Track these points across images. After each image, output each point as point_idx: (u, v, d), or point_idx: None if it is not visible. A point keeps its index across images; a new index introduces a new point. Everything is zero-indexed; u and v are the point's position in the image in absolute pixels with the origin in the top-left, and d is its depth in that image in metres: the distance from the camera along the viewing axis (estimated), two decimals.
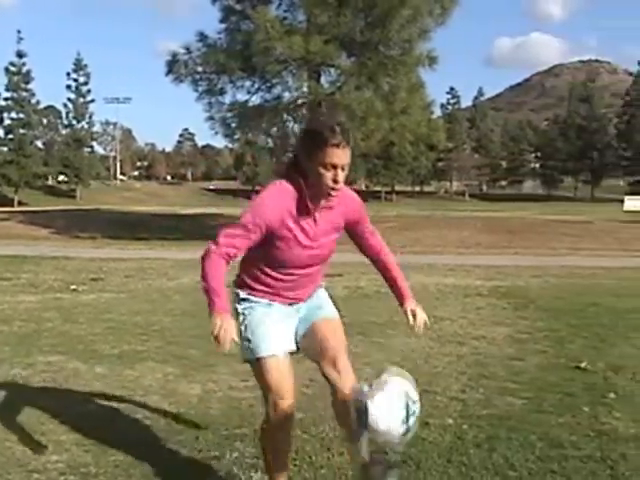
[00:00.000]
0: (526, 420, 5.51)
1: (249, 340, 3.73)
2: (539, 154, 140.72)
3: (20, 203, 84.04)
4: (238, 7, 33.33)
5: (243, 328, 3.75)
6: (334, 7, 30.59)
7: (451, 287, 14.00)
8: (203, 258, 3.55)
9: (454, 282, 14.84)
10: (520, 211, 60.90)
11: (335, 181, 3.50)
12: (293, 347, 3.87)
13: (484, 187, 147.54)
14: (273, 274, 3.75)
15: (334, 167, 3.48)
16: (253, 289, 3.81)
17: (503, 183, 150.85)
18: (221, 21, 33.77)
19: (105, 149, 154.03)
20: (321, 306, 4.01)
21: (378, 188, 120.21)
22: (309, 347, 3.91)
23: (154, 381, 6.76)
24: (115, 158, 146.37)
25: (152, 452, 4.86)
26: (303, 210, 3.60)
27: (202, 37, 33.48)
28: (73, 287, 13.80)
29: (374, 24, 30.87)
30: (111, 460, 4.72)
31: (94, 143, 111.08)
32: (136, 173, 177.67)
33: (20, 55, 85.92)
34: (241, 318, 3.78)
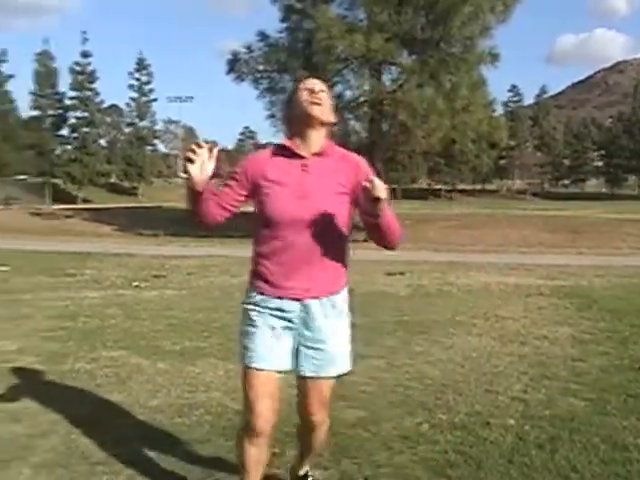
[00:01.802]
0: (589, 422, 5.44)
1: (242, 342, 3.56)
2: (603, 152, 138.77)
3: (84, 200, 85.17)
4: (299, 6, 33.46)
5: (241, 328, 3.60)
6: (394, 5, 30.57)
7: (513, 286, 13.90)
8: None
9: (516, 281, 14.74)
10: (583, 210, 60.11)
11: (312, 90, 3.48)
12: (286, 366, 3.55)
13: (546, 185, 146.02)
14: (267, 240, 3.47)
15: (309, 89, 3.48)
16: (255, 275, 3.56)
17: (566, 182, 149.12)
18: (282, 20, 33.99)
19: (167, 147, 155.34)
20: (319, 352, 3.55)
21: (439, 186, 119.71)
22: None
23: (216, 377, 6.82)
24: (177, 156, 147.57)
25: (213, 448, 4.91)
26: (288, 157, 3.49)
27: (263, 36, 33.73)
28: (135, 284, 13.98)
29: (435, 22, 30.80)
30: (172, 455, 4.79)
31: (156, 141, 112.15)
32: None
33: (85, 55, 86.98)
34: (242, 317, 3.60)
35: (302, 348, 3.54)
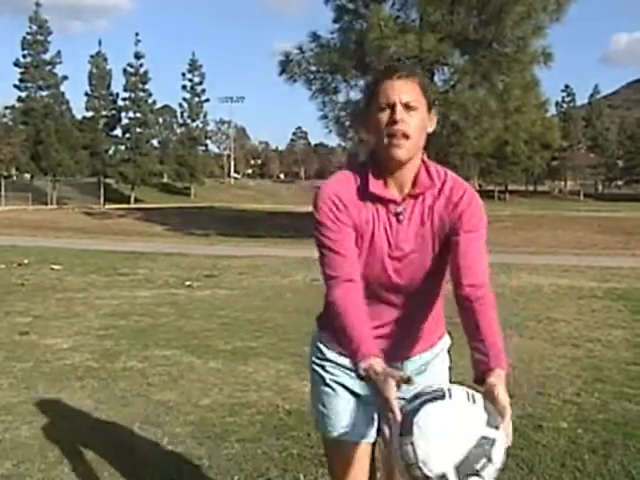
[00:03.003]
0: None
1: (315, 406, 2.88)
2: None
3: (136, 200, 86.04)
4: (351, 6, 33.46)
5: (313, 388, 2.90)
6: (447, 5, 30.44)
7: (566, 288, 13.76)
8: (328, 304, 2.58)
9: (569, 283, 14.58)
10: (637, 211, 59.42)
11: (392, 121, 2.43)
12: (371, 437, 2.83)
13: (599, 187, 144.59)
14: None
15: (390, 106, 2.44)
16: (330, 330, 2.69)
17: (619, 183, 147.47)
18: (334, 21, 33.96)
19: (219, 147, 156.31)
20: None
21: (491, 187, 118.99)
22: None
23: (267, 377, 6.84)
24: (229, 156, 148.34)
25: (265, 447, 4.92)
26: (375, 196, 2.56)
27: (315, 37, 33.71)
28: (188, 283, 14.06)
29: (488, 21, 30.61)
30: (224, 454, 4.81)
31: (208, 142, 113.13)
32: (250, 171, 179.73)
33: (138, 56, 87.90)
34: (313, 375, 2.88)
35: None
